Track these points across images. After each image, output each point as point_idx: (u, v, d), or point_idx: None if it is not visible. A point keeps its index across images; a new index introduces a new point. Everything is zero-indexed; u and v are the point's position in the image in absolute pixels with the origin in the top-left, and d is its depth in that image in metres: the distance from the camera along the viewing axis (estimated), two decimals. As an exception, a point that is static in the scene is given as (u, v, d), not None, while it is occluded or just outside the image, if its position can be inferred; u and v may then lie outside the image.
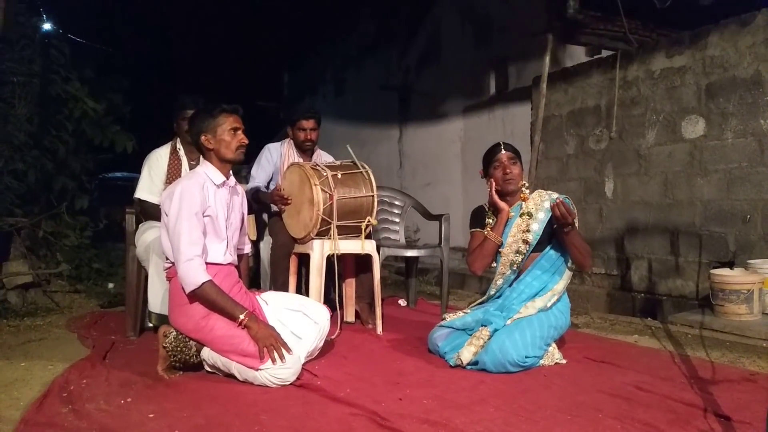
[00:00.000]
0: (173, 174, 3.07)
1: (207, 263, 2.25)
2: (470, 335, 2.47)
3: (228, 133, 2.33)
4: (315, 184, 2.90)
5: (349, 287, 3.37)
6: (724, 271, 3.34)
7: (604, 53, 4.97)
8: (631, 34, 4.84)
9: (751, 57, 3.56)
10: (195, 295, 2.22)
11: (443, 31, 6.74)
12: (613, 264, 4.43)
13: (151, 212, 3.05)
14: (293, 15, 8.76)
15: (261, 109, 10.62)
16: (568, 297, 2.66)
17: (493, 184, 2.63)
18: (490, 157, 2.67)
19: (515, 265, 2.59)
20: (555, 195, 2.67)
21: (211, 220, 2.30)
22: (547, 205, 2.61)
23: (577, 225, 2.47)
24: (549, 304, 2.53)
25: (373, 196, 3.05)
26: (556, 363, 2.47)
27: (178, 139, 3.17)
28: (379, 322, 3.12)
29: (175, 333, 2.29)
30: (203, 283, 2.18)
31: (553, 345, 2.52)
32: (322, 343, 2.50)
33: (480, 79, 6.05)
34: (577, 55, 5.26)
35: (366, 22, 8.34)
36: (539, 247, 2.59)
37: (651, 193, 4.16)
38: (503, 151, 2.63)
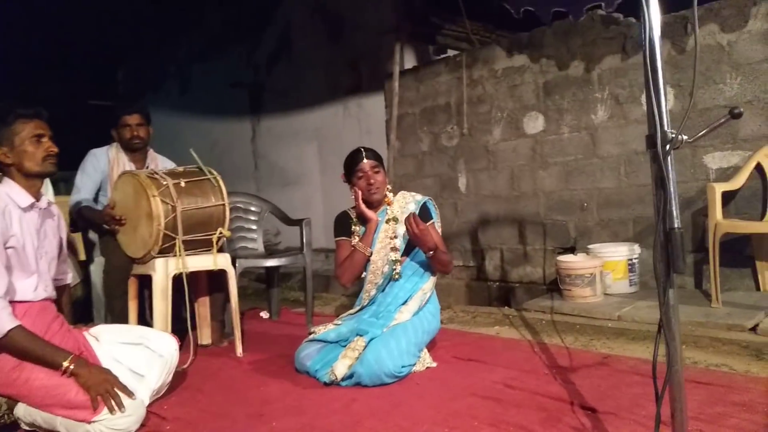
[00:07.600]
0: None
1: (14, 302, 1.83)
2: (344, 347, 2.33)
3: (30, 143, 1.92)
4: (153, 196, 2.54)
5: (203, 306, 3.04)
6: (569, 257, 3.58)
7: (451, 53, 5.12)
8: (474, 35, 5.05)
9: (581, 56, 3.86)
10: (1, 346, 1.79)
11: (294, 27, 6.51)
12: (469, 256, 4.58)
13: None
14: (123, 6, 7.89)
15: (94, 108, 9.52)
16: (437, 298, 2.63)
17: (359, 194, 2.50)
18: (352, 166, 2.53)
19: (387, 274, 2.49)
20: (419, 197, 2.62)
21: (15, 252, 1.88)
22: (411, 207, 2.55)
23: (439, 227, 2.42)
24: (422, 304, 2.47)
25: (224, 204, 2.77)
26: (427, 367, 2.42)
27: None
28: (238, 342, 2.85)
29: (-25, 392, 1.84)
30: (9, 331, 1.77)
31: (425, 349, 2.47)
32: (170, 378, 2.18)
33: (334, 77, 5.93)
34: (427, 54, 5.36)
35: (211, 14, 7.80)
36: (408, 250, 2.52)
37: (499, 186, 4.36)
38: (365, 160, 2.51)
